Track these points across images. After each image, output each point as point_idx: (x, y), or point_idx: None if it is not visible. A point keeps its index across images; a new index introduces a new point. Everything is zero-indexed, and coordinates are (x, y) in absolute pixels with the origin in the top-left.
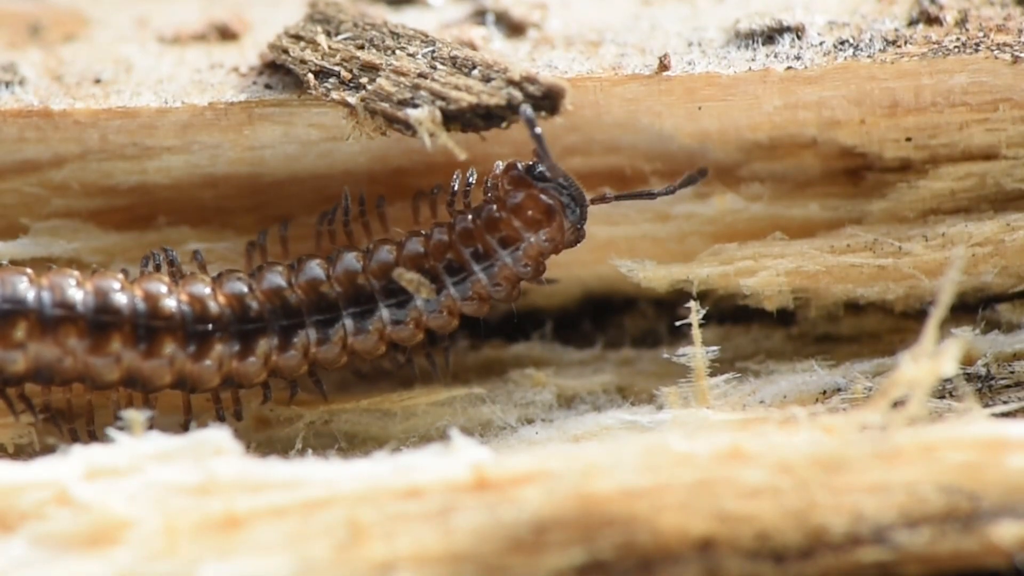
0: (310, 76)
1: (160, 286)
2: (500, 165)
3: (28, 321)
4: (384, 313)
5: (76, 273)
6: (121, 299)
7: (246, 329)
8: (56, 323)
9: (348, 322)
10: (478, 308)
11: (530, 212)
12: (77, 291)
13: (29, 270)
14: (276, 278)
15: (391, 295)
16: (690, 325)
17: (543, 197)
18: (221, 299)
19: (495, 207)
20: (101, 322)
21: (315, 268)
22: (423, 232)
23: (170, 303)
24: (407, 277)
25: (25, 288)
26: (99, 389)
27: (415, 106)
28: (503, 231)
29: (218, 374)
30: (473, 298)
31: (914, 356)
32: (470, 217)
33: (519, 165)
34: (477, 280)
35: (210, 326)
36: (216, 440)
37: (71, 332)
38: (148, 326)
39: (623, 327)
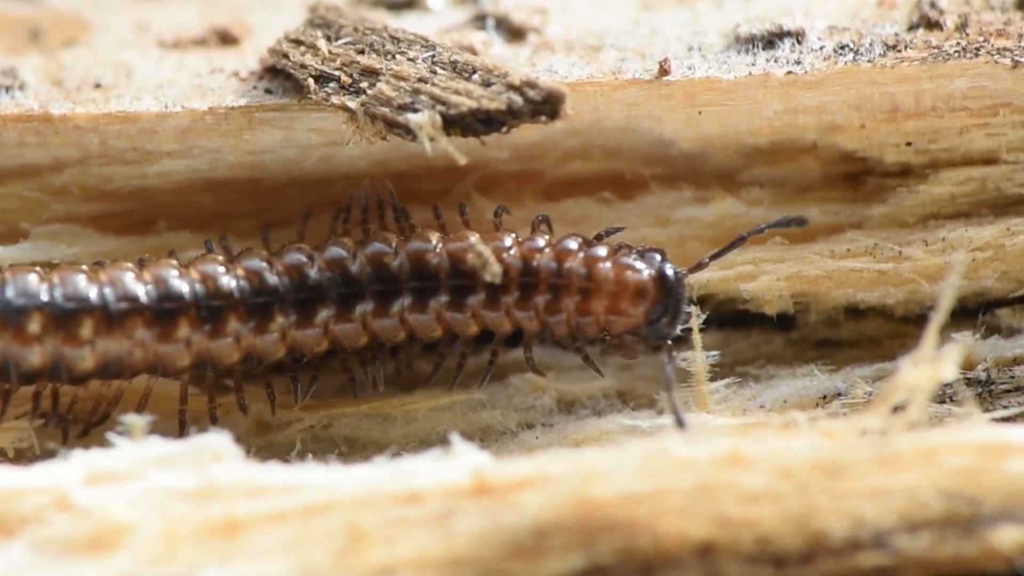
0: (310, 81)
1: (216, 266)
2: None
3: (94, 318)
4: (444, 297)
5: (131, 264)
6: (183, 284)
7: (304, 298)
8: (122, 317)
9: (408, 299)
10: (529, 325)
11: (623, 303)
12: (138, 283)
13: (85, 267)
14: (339, 250)
15: (458, 277)
16: (690, 330)
17: (644, 302)
18: (280, 269)
19: (604, 273)
20: (166, 310)
21: (381, 244)
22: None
23: (230, 281)
24: (478, 249)
25: (86, 285)
26: (170, 376)
27: (415, 111)
28: (592, 294)
29: (282, 345)
30: (529, 313)
31: (914, 361)
32: (580, 253)
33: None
34: (537, 304)
35: (269, 299)
36: (216, 445)
37: (138, 323)
38: (211, 306)
39: None
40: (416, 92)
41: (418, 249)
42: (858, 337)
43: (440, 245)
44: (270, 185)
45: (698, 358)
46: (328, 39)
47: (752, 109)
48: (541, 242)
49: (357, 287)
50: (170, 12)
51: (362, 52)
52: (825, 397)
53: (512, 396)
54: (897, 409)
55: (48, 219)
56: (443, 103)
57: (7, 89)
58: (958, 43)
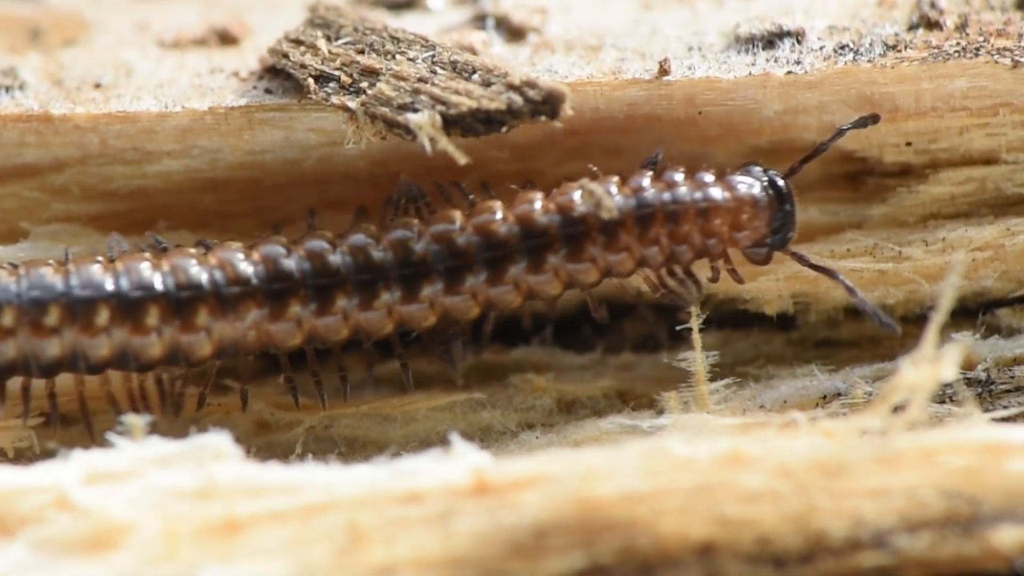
0: (310, 81)
1: (323, 243)
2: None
3: (208, 304)
4: (562, 251)
5: (238, 245)
6: (290, 263)
7: (409, 274)
8: (236, 300)
9: (524, 262)
10: (654, 259)
11: (745, 217)
12: (248, 265)
13: (194, 250)
14: (445, 224)
15: (572, 226)
16: (690, 330)
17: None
18: (385, 246)
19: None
20: (276, 290)
21: (487, 214)
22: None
23: (336, 258)
24: (589, 188)
25: (198, 271)
26: (284, 350)
27: (415, 111)
28: (711, 215)
29: (389, 321)
30: (653, 247)
31: (914, 361)
32: (688, 180)
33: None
34: (660, 235)
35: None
36: (216, 444)
37: (251, 305)
38: (317, 285)
39: (623, 332)
40: (416, 92)
41: (525, 211)
42: (858, 337)
43: (546, 202)
44: (270, 185)
45: (698, 358)
46: (328, 39)
47: (752, 109)
48: (646, 178)
49: (466, 258)
50: (170, 12)
51: (362, 52)
52: (825, 397)
53: (512, 396)
54: (897, 409)
55: (48, 219)
56: (443, 103)
57: (7, 89)
58: (958, 43)
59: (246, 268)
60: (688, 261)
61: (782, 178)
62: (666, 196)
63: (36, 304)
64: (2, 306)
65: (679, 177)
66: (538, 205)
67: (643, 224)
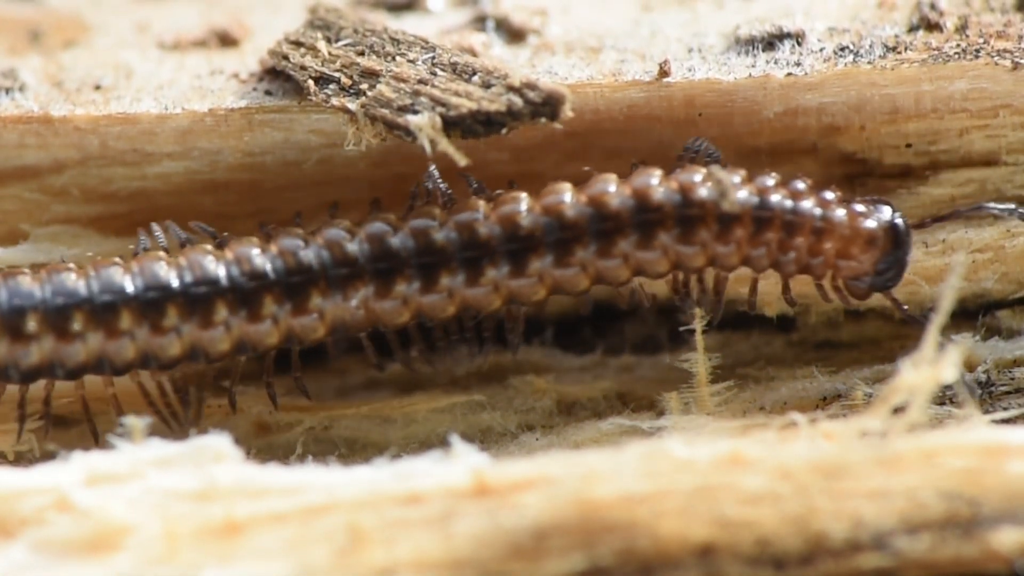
0: (310, 82)
1: (429, 220)
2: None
3: (318, 287)
4: (674, 231)
5: (345, 223)
6: (397, 242)
7: (516, 249)
8: (343, 282)
9: (634, 236)
10: (759, 262)
11: (855, 249)
12: (353, 245)
13: (299, 230)
14: (556, 196)
15: (688, 208)
16: (690, 331)
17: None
18: (493, 220)
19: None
20: (383, 269)
21: (602, 184)
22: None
23: (442, 235)
24: (717, 176)
25: (308, 254)
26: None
27: (415, 112)
28: (824, 236)
29: (497, 297)
30: (761, 249)
31: (914, 362)
32: (813, 195)
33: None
34: (770, 240)
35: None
36: (216, 446)
37: (358, 286)
38: (422, 263)
39: (623, 333)
40: (416, 94)
41: (642, 185)
42: (858, 339)
43: (667, 180)
44: (270, 187)
45: (699, 360)
46: (328, 41)
47: (752, 111)
48: (771, 180)
49: (576, 231)
50: (170, 13)
51: (362, 54)
52: (825, 398)
53: (512, 398)
54: (897, 411)
55: (48, 220)
56: (443, 104)
57: (7, 90)
58: (958, 45)
59: (352, 248)
60: (789, 273)
61: (905, 224)
62: (787, 204)
63: (153, 304)
64: (119, 307)
65: (803, 186)
66: (655, 181)
67: (758, 226)
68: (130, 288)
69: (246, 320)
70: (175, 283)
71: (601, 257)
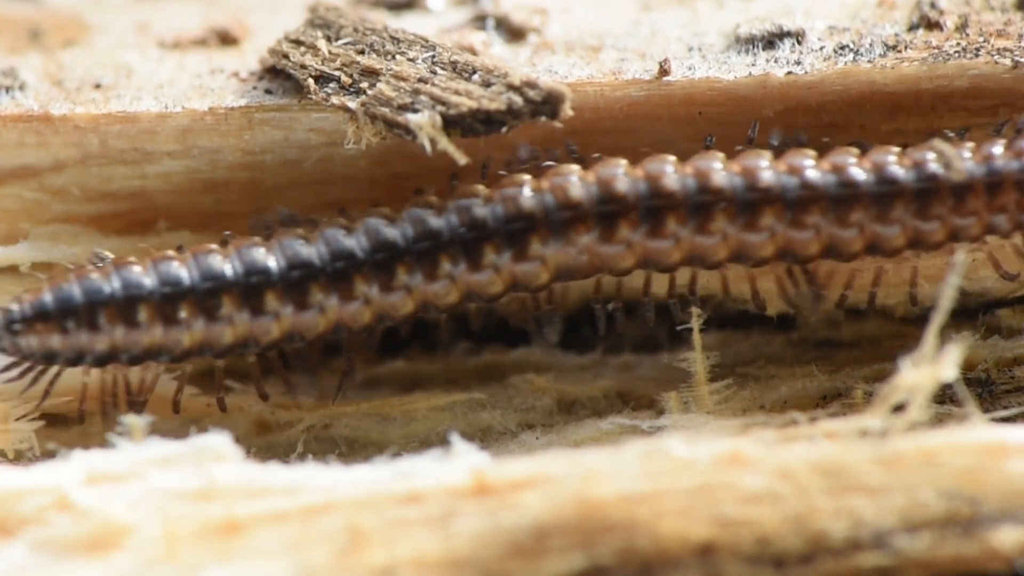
0: (310, 81)
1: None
2: None
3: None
4: (913, 205)
5: (576, 168)
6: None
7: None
8: (566, 225)
9: (872, 209)
10: (1002, 226)
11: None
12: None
13: (528, 176)
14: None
15: (924, 181)
16: (690, 330)
17: None
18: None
19: None
20: (607, 212)
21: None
22: None
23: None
24: (939, 148)
25: (579, 189)
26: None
27: (415, 111)
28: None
29: (725, 247)
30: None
31: (914, 361)
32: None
33: None
34: (1008, 204)
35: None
36: (216, 445)
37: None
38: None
39: (623, 332)
40: (416, 92)
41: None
42: (858, 338)
43: (902, 157)
44: (270, 185)
45: (699, 359)
46: (328, 39)
47: (752, 109)
48: (998, 146)
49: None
50: (170, 12)
51: (362, 52)
52: (825, 397)
53: (512, 397)
54: (897, 410)
55: (48, 219)
56: (443, 103)
57: (7, 89)
58: (958, 43)
59: (578, 192)
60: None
61: None
62: (1014, 164)
63: (383, 264)
64: (310, 279)
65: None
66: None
67: (992, 192)
68: (317, 260)
69: (466, 273)
70: (360, 254)
71: (839, 226)
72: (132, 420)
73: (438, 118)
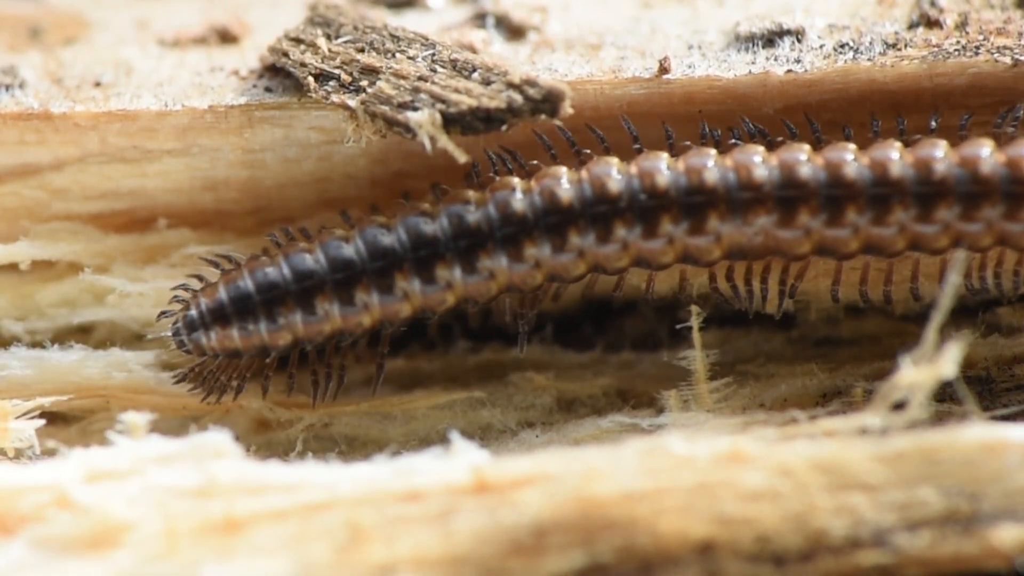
0: (310, 79)
1: (892, 151)
2: None
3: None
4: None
5: (759, 148)
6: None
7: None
8: (744, 205)
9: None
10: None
11: None
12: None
13: (712, 151)
14: (886, 149)
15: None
16: (690, 328)
17: None
18: (954, 158)
19: None
20: (835, 196)
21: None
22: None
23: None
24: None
25: (762, 173)
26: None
27: (415, 109)
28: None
29: (901, 238)
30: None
31: (914, 359)
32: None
33: None
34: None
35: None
36: (216, 443)
37: (760, 212)
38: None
39: (623, 330)
40: (416, 90)
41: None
42: (858, 336)
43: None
44: (270, 183)
45: (698, 357)
46: (328, 37)
47: (752, 107)
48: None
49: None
50: (170, 10)
51: (362, 50)
52: (825, 395)
53: (512, 395)
54: (897, 408)
55: (48, 217)
56: (443, 101)
57: (7, 87)
58: (958, 42)
59: (761, 173)
60: None
61: None
62: None
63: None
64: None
65: None
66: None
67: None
68: (531, 214)
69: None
70: (577, 205)
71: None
72: (132, 417)
73: (438, 116)
